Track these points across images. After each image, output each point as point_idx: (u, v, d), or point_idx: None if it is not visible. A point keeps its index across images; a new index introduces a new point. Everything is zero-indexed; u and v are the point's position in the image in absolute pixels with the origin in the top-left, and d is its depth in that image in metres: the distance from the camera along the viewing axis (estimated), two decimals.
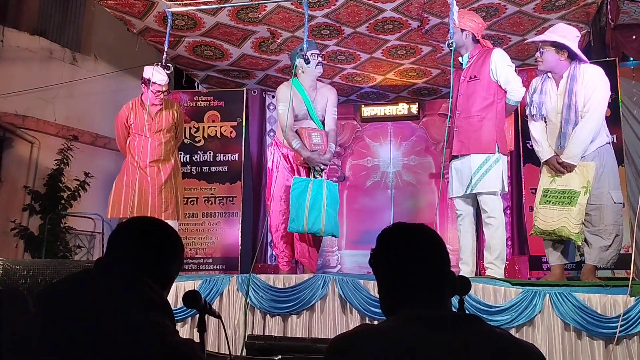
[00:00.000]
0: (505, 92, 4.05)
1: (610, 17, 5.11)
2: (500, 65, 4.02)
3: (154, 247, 1.51)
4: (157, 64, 4.61)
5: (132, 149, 4.66)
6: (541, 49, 3.89)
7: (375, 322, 3.33)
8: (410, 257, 1.36)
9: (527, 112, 4.04)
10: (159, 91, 4.64)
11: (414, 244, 1.38)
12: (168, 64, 4.63)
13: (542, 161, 3.97)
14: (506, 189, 4.13)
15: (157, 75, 4.61)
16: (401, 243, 1.40)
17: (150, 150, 4.61)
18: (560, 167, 3.79)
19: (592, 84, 3.76)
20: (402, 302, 1.34)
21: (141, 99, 4.72)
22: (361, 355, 1.23)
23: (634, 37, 5.66)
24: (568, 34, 3.86)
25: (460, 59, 4.22)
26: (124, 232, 1.55)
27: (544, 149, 3.92)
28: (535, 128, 3.98)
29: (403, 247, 1.38)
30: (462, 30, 4.11)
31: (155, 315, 1.31)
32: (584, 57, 3.89)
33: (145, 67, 4.73)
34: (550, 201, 3.81)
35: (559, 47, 3.82)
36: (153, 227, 1.57)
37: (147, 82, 4.62)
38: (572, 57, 3.85)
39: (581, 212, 3.69)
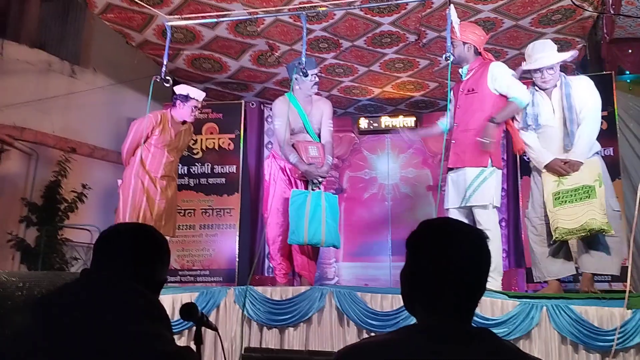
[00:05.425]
0: (507, 98, 4.01)
1: (605, 31, 5.16)
2: (500, 77, 4.00)
3: (147, 253, 1.51)
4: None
5: (145, 159, 4.64)
6: (547, 71, 3.88)
7: (372, 334, 3.32)
8: (450, 263, 1.26)
9: (522, 125, 4.01)
10: (196, 107, 4.77)
11: (461, 250, 1.28)
12: (167, 77, 4.64)
13: (542, 166, 3.89)
14: (499, 202, 4.10)
15: (195, 92, 4.76)
16: (447, 246, 1.28)
17: (164, 165, 4.67)
18: (566, 167, 3.75)
19: (586, 93, 3.85)
20: (425, 305, 1.28)
21: (171, 114, 4.75)
22: None
23: (630, 50, 5.70)
24: (555, 48, 3.95)
25: (460, 70, 4.22)
26: (114, 239, 1.53)
27: (543, 154, 3.89)
28: (530, 137, 3.98)
29: (448, 252, 1.27)
30: (464, 42, 4.11)
31: (151, 325, 1.31)
32: (569, 65, 4.00)
33: (179, 86, 4.82)
34: (566, 201, 3.73)
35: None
36: (143, 233, 1.56)
37: (183, 99, 4.71)
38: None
39: (603, 204, 3.64)
